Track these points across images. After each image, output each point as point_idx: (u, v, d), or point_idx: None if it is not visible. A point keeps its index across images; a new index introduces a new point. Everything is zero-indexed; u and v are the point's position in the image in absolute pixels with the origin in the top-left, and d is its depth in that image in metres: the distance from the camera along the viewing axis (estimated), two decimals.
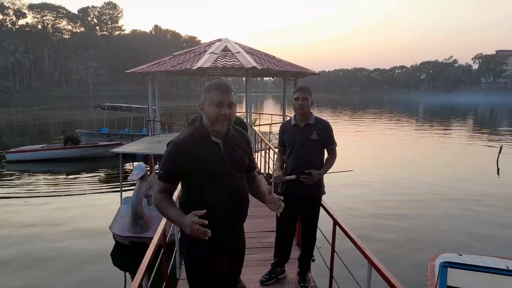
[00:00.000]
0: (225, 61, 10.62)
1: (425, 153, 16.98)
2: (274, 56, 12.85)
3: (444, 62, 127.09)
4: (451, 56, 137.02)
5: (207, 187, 1.86)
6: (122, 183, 7.88)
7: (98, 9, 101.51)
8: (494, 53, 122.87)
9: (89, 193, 10.31)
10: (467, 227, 7.69)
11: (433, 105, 66.83)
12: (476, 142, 20.35)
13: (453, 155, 16.36)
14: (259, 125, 14.10)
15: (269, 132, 12.50)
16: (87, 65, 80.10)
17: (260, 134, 9.74)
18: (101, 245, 6.69)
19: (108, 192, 10.49)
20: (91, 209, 8.85)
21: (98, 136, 17.02)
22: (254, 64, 10.40)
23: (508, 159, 14.54)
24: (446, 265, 4.13)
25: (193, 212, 1.67)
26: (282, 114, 14.02)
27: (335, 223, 2.93)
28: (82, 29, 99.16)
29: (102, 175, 12.77)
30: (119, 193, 7.67)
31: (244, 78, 15.60)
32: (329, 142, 3.17)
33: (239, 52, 11.44)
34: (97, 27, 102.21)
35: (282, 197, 1.94)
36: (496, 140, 20.69)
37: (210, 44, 13.11)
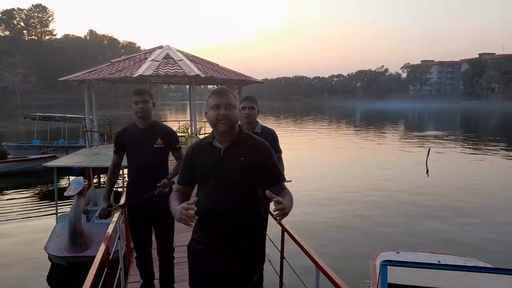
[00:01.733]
0: (167, 68, 10.42)
1: (359, 157, 17.97)
2: (217, 64, 12.87)
3: (377, 71, 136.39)
4: (383, 66, 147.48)
5: (201, 191, 1.91)
6: (58, 200, 7.34)
7: (26, 12, 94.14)
8: (420, 62, 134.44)
9: (19, 213, 9.42)
10: (402, 225, 8.25)
11: (368, 111, 71.13)
12: (407, 145, 22.01)
13: (387, 157, 17.53)
14: (205, 133, 13.99)
15: None
16: (14, 72, 73.65)
17: None
18: (35, 269, 6.13)
19: (41, 210, 9.65)
20: (21, 230, 8.08)
21: (28, 149, 15.68)
22: (198, 72, 10.33)
23: (435, 160, 15.89)
24: (385, 264, 4.38)
25: (186, 202, 1.72)
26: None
27: (284, 230, 2.98)
28: (7, 33, 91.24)
29: (33, 192, 11.75)
30: (54, 210, 7.12)
31: (187, 86, 15.41)
32: (275, 150, 3.26)
33: (181, 60, 11.29)
34: (25, 31, 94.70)
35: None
36: (425, 142, 22.53)
37: (151, 51, 12.78)
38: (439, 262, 4.75)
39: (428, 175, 13.69)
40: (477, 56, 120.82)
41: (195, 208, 1.67)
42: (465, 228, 8.07)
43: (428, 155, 15.67)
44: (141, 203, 2.92)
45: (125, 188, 3.24)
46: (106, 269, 2.71)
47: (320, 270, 2.29)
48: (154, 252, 3.18)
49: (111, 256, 2.93)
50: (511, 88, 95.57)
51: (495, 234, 7.70)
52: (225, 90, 1.89)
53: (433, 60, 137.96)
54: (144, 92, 2.95)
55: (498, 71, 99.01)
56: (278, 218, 1.64)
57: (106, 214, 3.01)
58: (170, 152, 3.09)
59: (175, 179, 2.27)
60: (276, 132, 3.41)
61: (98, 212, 3.10)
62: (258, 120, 3.31)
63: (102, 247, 2.56)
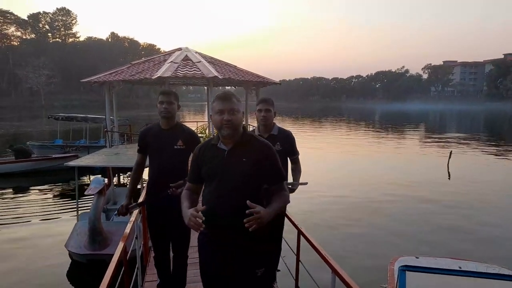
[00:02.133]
0: (186, 70, 10.52)
1: (380, 160, 17.68)
2: (235, 66, 12.91)
3: (397, 72, 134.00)
4: (403, 66, 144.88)
5: (206, 190, 2.03)
6: (79, 198, 7.52)
7: (50, 15, 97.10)
8: (442, 63, 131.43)
9: (43, 210, 9.71)
10: (422, 230, 8.06)
11: (388, 113, 70.03)
12: (428, 148, 21.53)
13: (407, 161, 17.18)
14: None
15: None
16: (39, 73, 76.06)
17: None
18: (56, 265, 6.30)
19: (63, 208, 9.92)
20: (44, 227, 8.33)
21: (52, 148, 16.14)
22: (215, 73, 10.38)
23: (457, 163, 15.49)
24: (404, 269, 4.30)
25: (195, 207, 1.85)
26: (244, 123, 14.05)
27: (300, 232, 2.96)
28: (33, 35, 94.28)
29: (56, 190, 12.09)
30: (75, 208, 7.30)
31: (205, 87, 15.52)
32: (292, 152, 3.30)
33: (200, 62, 11.37)
34: (49, 34, 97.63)
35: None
36: (446, 145, 21.99)
37: (170, 53, 12.94)
38: (460, 268, 4.62)
39: (449, 178, 13.35)
40: (502, 56, 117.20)
41: (203, 218, 1.80)
42: (487, 234, 7.82)
43: (449, 158, 15.29)
44: (158, 201, 2.94)
45: (144, 187, 3.27)
46: (123, 268, 2.76)
47: (336, 275, 2.26)
48: None
49: (128, 255, 2.97)
50: None
51: None
52: (229, 95, 1.96)
53: (456, 61, 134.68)
54: (170, 93, 2.99)
55: None
56: (251, 227, 1.74)
57: (125, 211, 3.06)
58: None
59: None
60: (293, 134, 3.41)
61: (116, 211, 3.15)
62: (275, 122, 3.32)
63: (120, 246, 2.61)
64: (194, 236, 4.92)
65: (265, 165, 1.97)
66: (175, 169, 2.96)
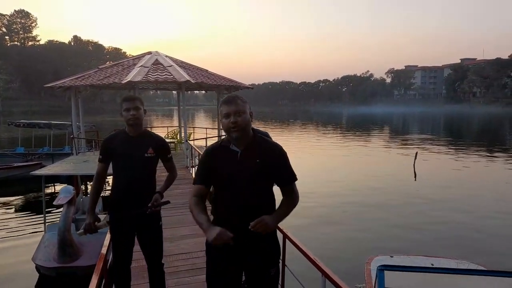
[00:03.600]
0: (157, 74, 10.35)
1: (346, 161, 18.12)
2: (207, 70, 12.85)
3: (362, 76, 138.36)
4: (368, 71, 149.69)
5: (220, 192, 2.03)
6: (46, 208, 7.16)
7: (8, 17, 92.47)
8: (404, 68, 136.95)
9: (5, 222, 9.16)
10: (390, 229, 8.31)
11: (354, 116, 71.94)
12: (393, 149, 22.31)
13: (373, 161, 17.72)
14: (194, 139, 13.89)
15: (205, 146, 12.37)
16: None
17: (197, 149, 9.58)
18: (22, 280, 5.96)
19: (27, 219, 9.39)
20: (7, 240, 7.85)
21: (12, 156, 15.30)
22: (188, 78, 10.29)
23: (422, 163, 16.14)
24: (382, 268, 4.41)
25: (225, 230, 1.82)
26: (216, 127, 13.98)
27: (285, 236, 2.96)
28: None
29: (19, 200, 11.45)
30: (41, 219, 6.94)
31: (174, 92, 15.32)
32: None
33: (171, 66, 11.23)
34: (7, 37, 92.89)
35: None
36: (411, 146, 22.88)
37: (140, 57, 12.69)
38: (432, 265, 4.80)
39: (415, 179, 13.87)
40: (459, 61, 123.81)
41: (232, 235, 1.82)
42: (454, 230, 8.19)
43: (415, 158, 15.90)
44: (127, 216, 2.80)
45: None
46: (104, 280, 2.64)
47: (327, 278, 2.28)
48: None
49: (107, 265, 2.86)
50: (492, 92, 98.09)
51: (484, 236, 7.84)
52: (233, 97, 1.99)
53: (417, 65, 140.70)
54: (135, 98, 2.85)
55: (479, 75, 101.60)
56: (257, 230, 1.82)
57: (93, 230, 2.85)
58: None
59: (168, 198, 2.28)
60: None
61: (83, 227, 2.90)
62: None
63: (100, 256, 2.50)
64: (174, 243, 4.81)
65: (278, 166, 2.02)
66: (145, 179, 2.85)
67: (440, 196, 11.18)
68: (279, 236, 3.09)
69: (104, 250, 2.67)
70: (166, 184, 3.02)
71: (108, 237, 3.05)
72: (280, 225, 3.13)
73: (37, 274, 5.95)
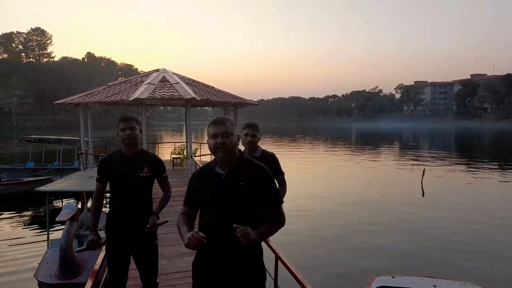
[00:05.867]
0: (164, 92, 10.52)
1: (354, 178, 17.97)
2: (213, 87, 13.01)
3: (371, 91, 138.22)
4: (377, 86, 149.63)
5: (203, 214, 2.03)
6: (51, 224, 7.23)
7: (24, 35, 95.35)
8: (413, 83, 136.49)
9: (11, 237, 9.25)
10: (397, 248, 8.16)
11: (363, 131, 71.61)
12: (402, 165, 22.07)
13: (381, 178, 17.54)
14: (200, 155, 13.96)
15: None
16: (11, 93, 73.84)
17: (200, 165, 9.61)
18: None
19: (32, 235, 9.47)
20: (13, 255, 7.92)
21: (23, 171, 15.56)
22: (193, 95, 10.43)
23: (430, 180, 15.93)
24: None
25: (196, 231, 1.86)
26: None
27: (277, 257, 2.95)
28: (5, 55, 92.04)
29: (27, 215, 11.57)
30: (46, 235, 7.01)
31: (184, 108, 15.51)
32: (277, 173, 3.38)
33: (177, 83, 11.41)
34: (23, 54, 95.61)
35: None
36: (419, 163, 22.61)
37: (148, 74, 12.94)
38: (435, 286, 4.71)
39: (423, 196, 13.68)
40: (469, 77, 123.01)
41: (203, 240, 1.82)
42: (460, 251, 8.01)
43: (423, 175, 15.71)
44: (122, 233, 2.83)
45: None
46: None
47: None
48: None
49: (101, 283, 2.87)
50: (504, 108, 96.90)
51: (491, 257, 7.65)
52: (222, 119, 2.01)
53: (426, 81, 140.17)
54: (130, 118, 2.89)
55: (490, 91, 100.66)
56: (241, 237, 1.78)
57: (96, 247, 2.90)
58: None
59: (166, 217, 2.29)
60: (276, 155, 3.56)
61: (85, 244, 2.95)
62: (259, 145, 3.49)
63: (90, 280, 2.52)
64: (170, 263, 4.80)
65: (262, 188, 2.01)
66: (141, 198, 2.88)
67: (447, 215, 10.97)
68: (271, 257, 3.10)
69: (96, 267, 2.68)
70: (161, 204, 3.04)
71: (102, 254, 3.07)
72: (272, 244, 3.13)
73: None
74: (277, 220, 2.07)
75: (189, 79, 13.11)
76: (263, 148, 3.48)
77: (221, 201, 1.96)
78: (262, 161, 3.28)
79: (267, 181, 2.05)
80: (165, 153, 20.03)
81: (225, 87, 12.84)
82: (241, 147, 3.42)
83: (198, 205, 2.09)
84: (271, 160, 3.34)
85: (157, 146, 26.57)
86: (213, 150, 1.98)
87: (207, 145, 2.06)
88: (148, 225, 2.78)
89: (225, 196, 1.96)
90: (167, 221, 3.00)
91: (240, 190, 1.96)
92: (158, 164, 2.99)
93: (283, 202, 2.12)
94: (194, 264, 2.10)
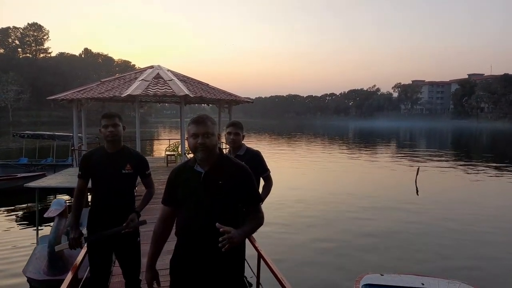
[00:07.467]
0: (157, 88, 10.47)
1: (348, 175, 17.98)
2: (207, 84, 12.97)
3: (369, 90, 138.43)
4: (375, 85, 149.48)
5: (182, 211, 2.03)
6: (41, 221, 7.19)
7: (21, 30, 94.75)
8: (411, 82, 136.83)
9: (0, 233, 9.19)
10: (388, 246, 8.16)
11: (360, 129, 71.72)
12: (397, 164, 22.11)
13: (377, 177, 17.56)
14: None
15: None
16: (7, 89, 73.44)
17: None
18: None
19: (22, 231, 9.38)
20: (0, 252, 7.86)
21: (16, 167, 15.47)
22: (187, 92, 10.39)
23: (425, 178, 15.97)
24: (369, 287, 4.35)
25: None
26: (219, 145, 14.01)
27: (260, 256, 2.94)
28: (2, 50, 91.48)
29: (19, 211, 11.51)
30: (35, 231, 6.97)
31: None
32: (262, 170, 3.38)
33: (171, 80, 11.36)
34: (19, 49, 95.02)
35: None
36: (414, 161, 22.67)
37: (142, 70, 12.89)
38: (423, 284, 4.71)
39: (418, 194, 13.71)
40: (466, 76, 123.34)
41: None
42: (450, 249, 8.03)
43: (417, 174, 15.74)
44: (104, 230, 2.80)
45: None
46: None
47: None
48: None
49: (82, 282, 2.85)
50: (500, 108, 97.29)
51: (479, 256, 7.67)
52: (203, 119, 2.00)
53: (424, 80, 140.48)
54: (113, 115, 2.89)
55: (487, 91, 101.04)
56: (224, 248, 1.79)
57: (78, 245, 2.88)
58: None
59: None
60: (263, 153, 3.57)
61: (67, 243, 2.93)
62: (244, 142, 3.46)
63: (69, 276, 2.50)
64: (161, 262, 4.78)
65: (241, 187, 2.01)
66: (123, 195, 2.86)
67: (441, 213, 10.99)
68: (254, 255, 3.09)
69: (76, 263, 2.66)
70: (143, 202, 3.02)
71: (83, 251, 3.05)
72: (256, 243, 3.12)
73: (28, 287, 5.96)
74: (256, 218, 2.07)
75: (184, 76, 13.06)
76: (248, 146, 3.46)
77: (200, 199, 1.96)
78: (247, 159, 3.28)
79: (246, 179, 2.05)
80: (161, 150, 19.96)
81: (222, 84, 12.87)
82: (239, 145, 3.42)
83: (177, 202, 2.07)
84: (255, 158, 3.33)
85: (152, 143, 26.51)
86: (193, 150, 1.99)
87: None
88: (124, 224, 2.75)
89: (204, 194, 1.96)
90: (145, 222, 2.97)
91: (219, 188, 1.96)
92: (141, 161, 2.97)
93: (262, 201, 2.14)
94: (172, 261, 2.10)
